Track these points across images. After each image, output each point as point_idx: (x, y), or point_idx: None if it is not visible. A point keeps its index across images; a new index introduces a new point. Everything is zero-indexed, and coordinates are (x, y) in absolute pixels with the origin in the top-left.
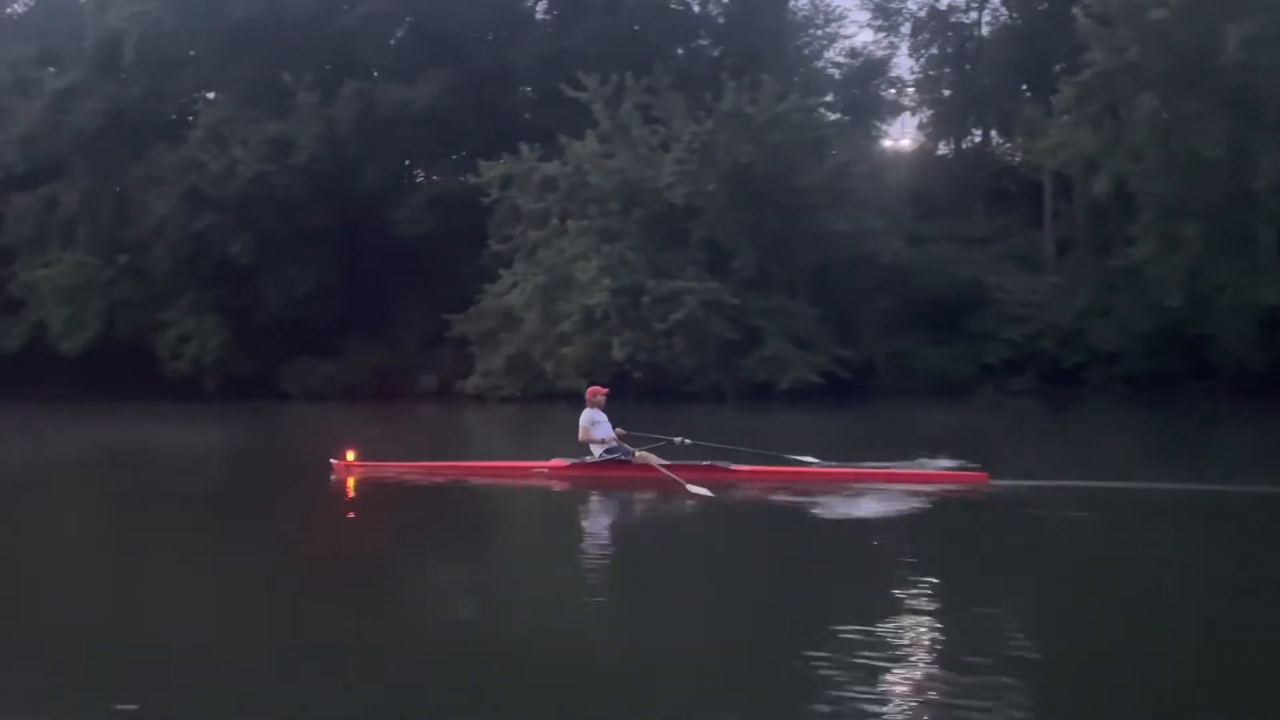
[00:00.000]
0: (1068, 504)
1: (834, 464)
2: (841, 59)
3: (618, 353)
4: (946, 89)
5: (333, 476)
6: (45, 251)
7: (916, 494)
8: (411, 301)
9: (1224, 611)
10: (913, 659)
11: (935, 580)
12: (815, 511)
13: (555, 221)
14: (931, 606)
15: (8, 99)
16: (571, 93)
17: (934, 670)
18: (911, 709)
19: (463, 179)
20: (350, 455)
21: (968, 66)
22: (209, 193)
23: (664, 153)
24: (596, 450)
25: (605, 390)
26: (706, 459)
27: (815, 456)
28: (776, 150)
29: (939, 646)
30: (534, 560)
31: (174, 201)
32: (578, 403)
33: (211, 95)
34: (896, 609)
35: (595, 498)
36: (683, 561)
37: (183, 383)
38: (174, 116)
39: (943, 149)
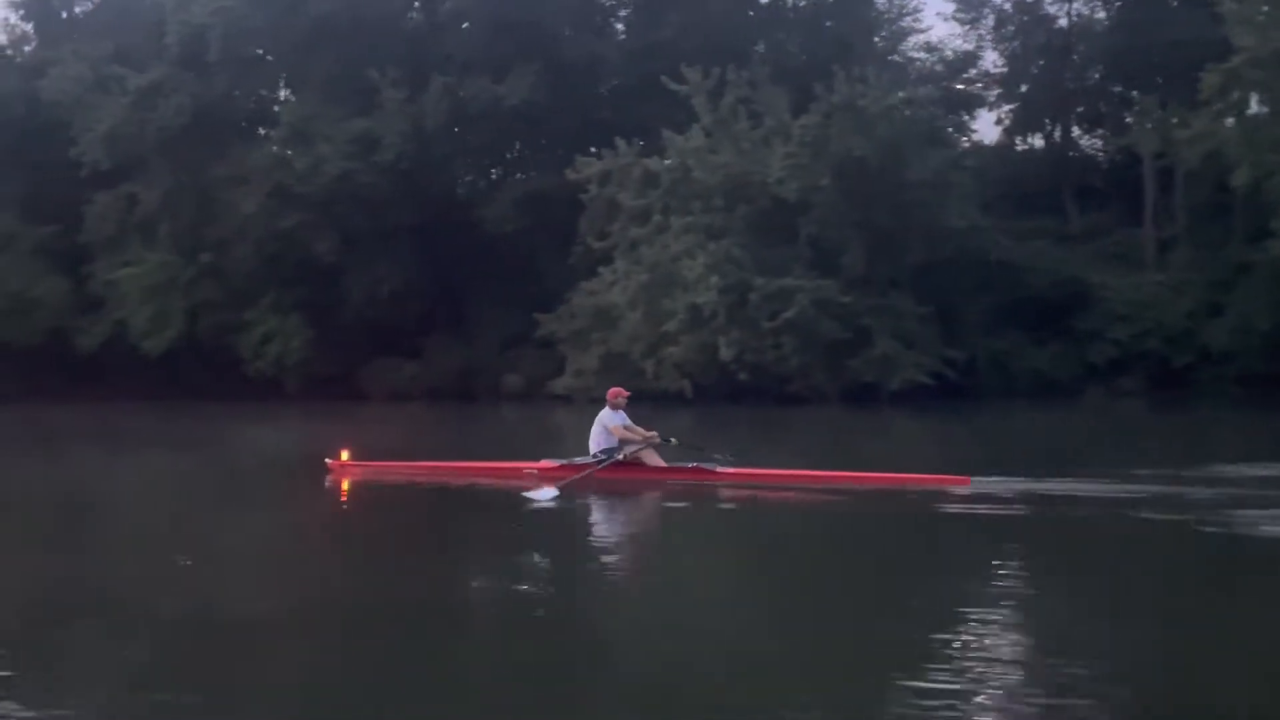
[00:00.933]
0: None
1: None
2: (919, 53)
3: (725, 352)
4: (1032, 83)
5: (328, 477)
6: (125, 250)
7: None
8: (495, 301)
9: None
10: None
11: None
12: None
13: (658, 218)
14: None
15: (91, 96)
16: (673, 85)
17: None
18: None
19: (553, 176)
20: (345, 455)
21: (1042, 61)
22: (295, 191)
23: (765, 147)
24: (592, 447)
25: (626, 394)
26: (692, 461)
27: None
28: (887, 143)
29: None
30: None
31: (260, 200)
32: (679, 404)
33: (291, 93)
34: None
35: (591, 500)
36: (690, 559)
37: (263, 383)
38: (256, 114)
39: (1024, 144)
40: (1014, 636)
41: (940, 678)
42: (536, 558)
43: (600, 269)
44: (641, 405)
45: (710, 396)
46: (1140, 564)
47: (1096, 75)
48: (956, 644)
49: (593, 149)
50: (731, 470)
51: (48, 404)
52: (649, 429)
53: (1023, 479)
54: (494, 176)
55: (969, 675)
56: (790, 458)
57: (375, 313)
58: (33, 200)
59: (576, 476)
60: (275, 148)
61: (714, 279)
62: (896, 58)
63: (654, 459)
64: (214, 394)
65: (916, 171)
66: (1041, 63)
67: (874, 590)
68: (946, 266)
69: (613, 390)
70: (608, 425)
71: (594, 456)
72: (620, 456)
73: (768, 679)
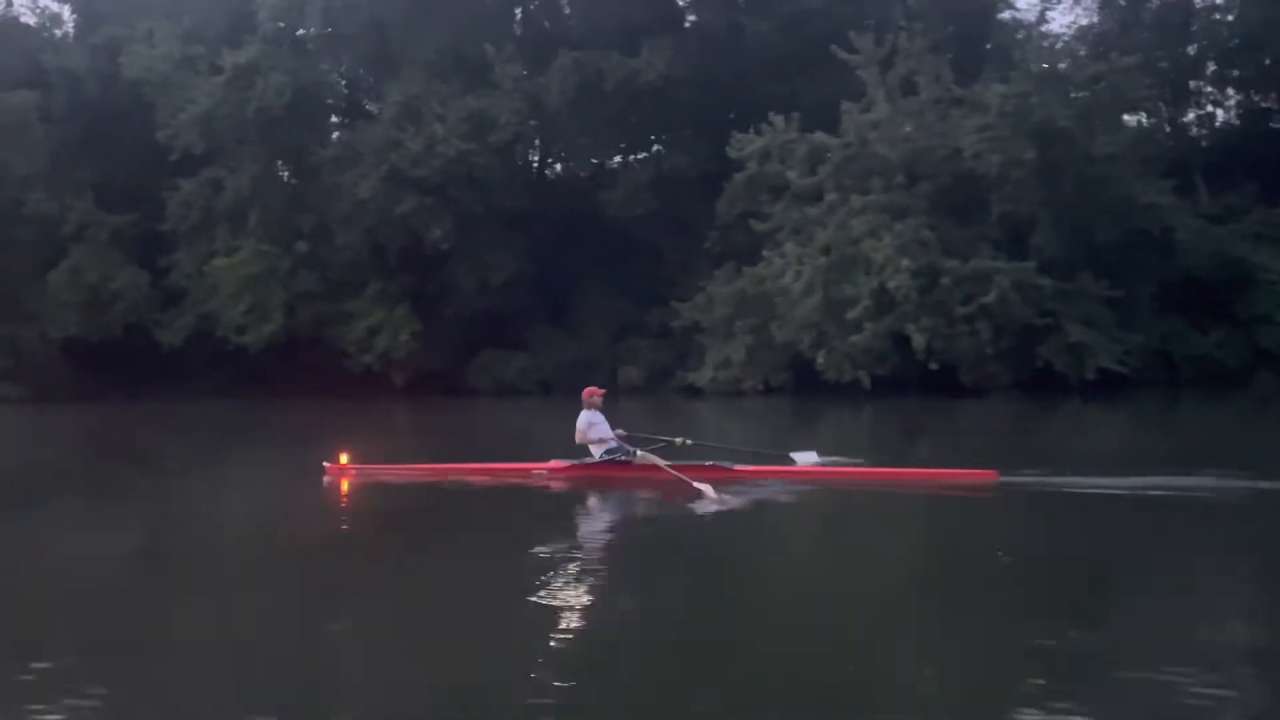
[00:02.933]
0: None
1: (837, 463)
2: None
3: (917, 340)
4: (1155, 55)
5: (325, 480)
6: (210, 239)
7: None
8: (607, 290)
9: None
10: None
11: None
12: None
13: (832, 196)
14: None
15: (180, 76)
16: (843, 55)
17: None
18: None
19: (685, 155)
20: (344, 458)
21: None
22: (409, 174)
23: (942, 120)
24: (596, 451)
25: (602, 392)
26: (709, 460)
27: (818, 454)
28: (1086, 114)
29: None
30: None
31: (375, 184)
32: (853, 396)
33: (396, 71)
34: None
35: (595, 499)
36: (716, 560)
37: (367, 378)
38: (358, 94)
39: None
40: None
41: None
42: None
43: (765, 253)
44: (815, 397)
45: (888, 387)
46: None
47: (1226, 45)
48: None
49: (733, 127)
50: (749, 469)
51: (129, 401)
52: (624, 429)
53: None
54: (622, 158)
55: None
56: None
57: (485, 303)
58: (107, 187)
59: (677, 475)
60: (385, 128)
61: (904, 261)
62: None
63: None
64: (311, 390)
65: (1105, 144)
66: (1172, 39)
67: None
68: (1124, 246)
69: (587, 390)
70: (594, 421)
71: (607, 455)
72: (636, 454)
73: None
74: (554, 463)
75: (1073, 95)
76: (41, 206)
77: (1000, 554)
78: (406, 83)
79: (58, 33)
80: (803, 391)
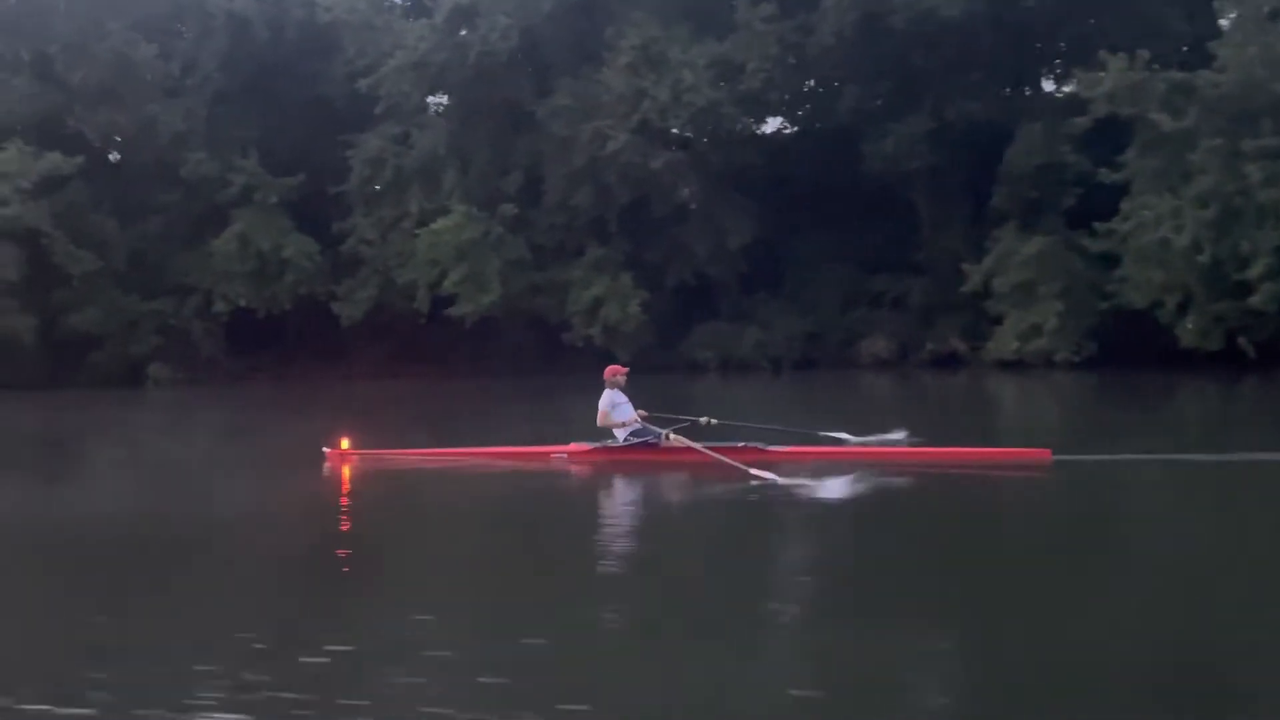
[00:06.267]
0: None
1: (872, 442)
2: None
3: None
4: None
5: (325, 466)
6: (398, 203)
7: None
8: (844, 253)
9: None
10: None
11: None
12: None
13: (1214, 141)
14: None
15: (383, 18)
16: None
17: None
18: None
19: (973, 102)
20: (345, 443)
21: None
22: (657, 125)
23: None
24: (620, 434)
25: (625, 370)
26: (740, 440)
27: (849, 434)
28: None
29: None
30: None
31: (626, 136)
32: (1208, 367)
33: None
34: None
35: (620, 482)
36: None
37: (586, 352)
38: (578, 37)
39: None
40: None
41: None
42: None
43: (1123, 204)
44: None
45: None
46: None
47: None
48: None
49: (1027, 71)
50: (784, 449)
51: (304, 379)
52: (648, 410)
53: None
54: (897, 108)
55: None
56: None
57: (715, 270)
58: (274, 145)
59: (726, 459)
60: (623, 77)
61: None
62: None
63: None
64: (524, 366)
65: None
66: None
67: None
68: None
69: (610, 368)
70: (617, 400)
71: (633, 437)
72: (666, 436)
73: None
74: (574, 445)
75: None
76: (201, 168)
77: None
78: (642, 26)
79: None
80: (1122, 363)
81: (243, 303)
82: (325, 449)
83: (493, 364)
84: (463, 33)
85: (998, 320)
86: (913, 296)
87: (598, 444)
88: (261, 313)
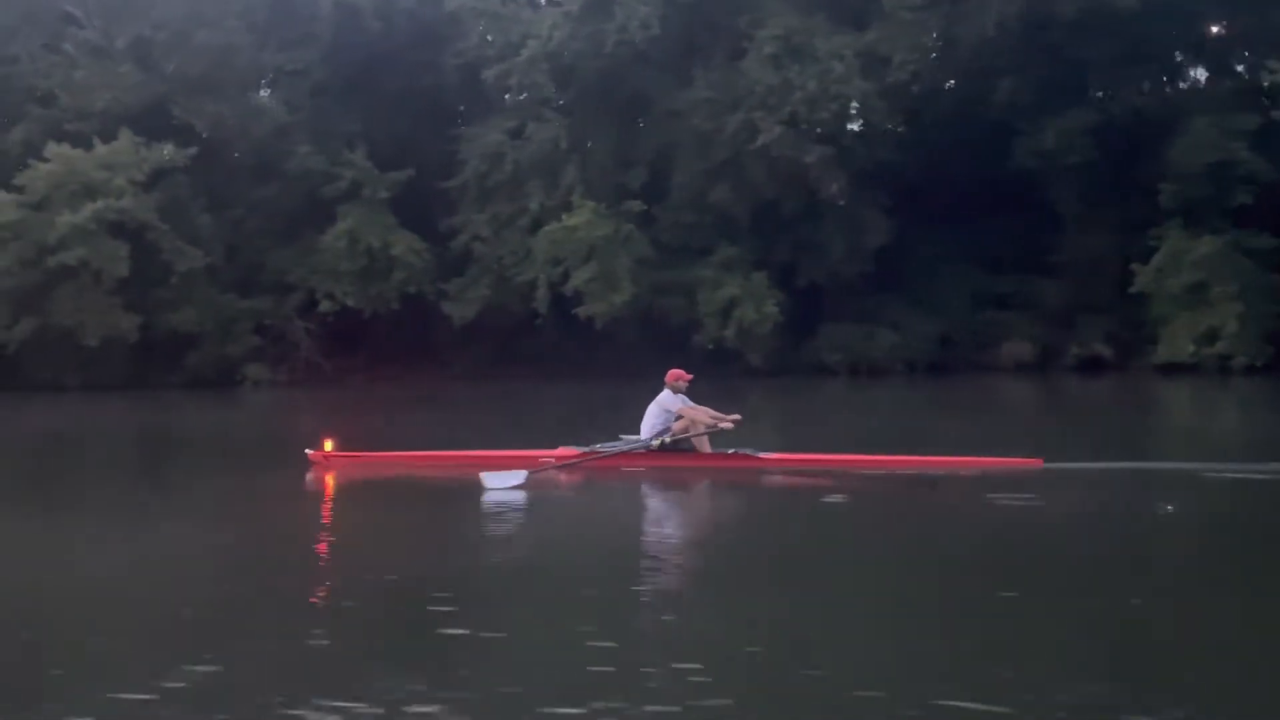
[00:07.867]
0: None
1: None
2: None
3: None
4: None
5: (309, 471)
6: (513, 199)
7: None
8: (979, 253)
9: None
10: None
11: None
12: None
13: None
14: None
15: (510, 7)
16: None
17: None
18: None
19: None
20: (328, 445)
21: None
22: (807, 119)
23: None
24: (654, 439)
25: (689, 377)
26: (731, 446)
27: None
28: None
29: None
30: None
31: (778, 130)
32: None
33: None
34: None
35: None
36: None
37: (715, 355)
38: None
39: None
40: None
41: None
42: None
43: None
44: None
45: None
46: None
47: None
48: None
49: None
50: (776, 456)
51: (412, 382)
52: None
53: None
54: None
55: None
56: None
57: (851, 270)
58: (377, 138)
59: (576, 462)
60: (764, 69)
61: None
62: None
63: (703, 445)
64: (650, 370)
65: None
66: None
67: None
68: None
69: (673, 372)
70: (668, 406)
71: (651, 440)
72: (655, 444)
73: None
74: (563, 449)
75: None
76: (308, 161)
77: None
78: (783, 16)
79: None
80: None
81: (350, 302)
82: (308, 451)
83: (609, 366)
84: (601, 24)
85: (1156, 323)
86: (1048, 298)
87: (586, 449)
88: (367, 312)
